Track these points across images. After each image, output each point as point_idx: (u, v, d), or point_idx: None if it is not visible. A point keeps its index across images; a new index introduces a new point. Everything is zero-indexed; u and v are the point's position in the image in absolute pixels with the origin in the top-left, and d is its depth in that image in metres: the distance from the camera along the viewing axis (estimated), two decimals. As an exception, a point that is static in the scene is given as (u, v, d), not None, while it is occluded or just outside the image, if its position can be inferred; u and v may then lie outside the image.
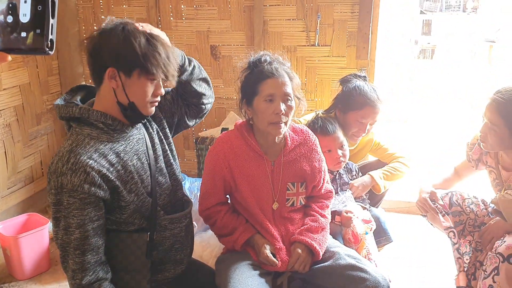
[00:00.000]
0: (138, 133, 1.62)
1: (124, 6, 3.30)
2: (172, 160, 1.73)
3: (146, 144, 1.63)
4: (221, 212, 1.84)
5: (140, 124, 1.65)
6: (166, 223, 1.63)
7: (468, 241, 2.06)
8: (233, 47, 3.22)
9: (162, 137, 1.73)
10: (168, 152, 1.73)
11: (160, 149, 1.70)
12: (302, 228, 1.84)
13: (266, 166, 1.81)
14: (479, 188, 2.30)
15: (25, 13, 0.72)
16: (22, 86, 2.99)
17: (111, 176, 1.46)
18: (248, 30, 3.14)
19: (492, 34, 7.14)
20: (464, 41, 8.71)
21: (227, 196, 1.92)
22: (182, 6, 3.22)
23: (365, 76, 2.43)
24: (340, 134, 2.27)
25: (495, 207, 1.97)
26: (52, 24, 0.73)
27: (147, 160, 1.61)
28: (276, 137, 1.80)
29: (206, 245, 2.38)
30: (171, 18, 3.26)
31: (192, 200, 2.52)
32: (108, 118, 1.48)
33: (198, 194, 2.51)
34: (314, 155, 1.89)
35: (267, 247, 1.77)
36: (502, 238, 1.85)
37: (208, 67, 3.29)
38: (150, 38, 1.46)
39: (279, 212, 1.85)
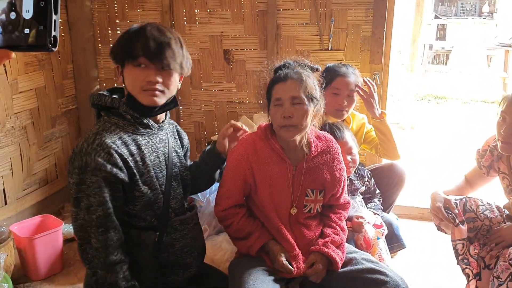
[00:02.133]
0: (163, 134, 1.68)
1: (139, 10, 3.33)
2: (188, 175, 1.80)
3: (168, 147, 1.68)
4: (238, 215, 1.82)
5: (167, 126, 1.72)
6: (176, 225, 1.66)
7: (478, 245, 2.03)
8: (246, 51, 3.23)
9: (185, 153, 1.83)
10: (186, 166, 1.80)
11: (179, 159, 1.75)
12: (326, 239, 1.82)
13: (288, 171, 1.80)
14: (492, 196, 2.27)
15: (28, 9, 0.70)
16: (38, 89, 3.03)
17: (130, 163, 1.51)
18: (261, 35, 3.15)
19: (508, 39, 7.04)
20: (480, 46, 8.62)
21: (244, 198, 1.91)
22: (196, 11, 3.24)
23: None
24: (349, 139, 2.24)
25: (508, 213, 1.93)
26: (55, 20, 0.71)
27: (165, 161, 1.65)
28: (298, 142, 1.79)
29: (218, 249, 2.38)
30: (185, 23, 3.28)
31: (204, 204, 2.54)
32: (137, 112, 1.55)
33: (211, 197, 2.52)
34: (336, 164, 1.88)
35: (283, 254, 1.77)
36: None
37: (221, 71, 3.31)
38: (141, 25, 1.53)
39: (296, 217, 1.83)
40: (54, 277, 2.49)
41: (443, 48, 9.44)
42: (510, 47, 6.88)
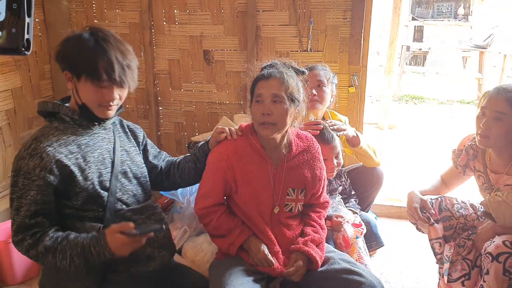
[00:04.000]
0: (106, 133, 1.72)
1: (117, 10, 3.30)
2: (144, 173, 1.82)
3: (114, 145, 1.72)
4: (217, 212, 1.83)
5: (111, 126, 1.75)
6: (128, 215, 1.68)
7: (455, 245, 2.07)
8: (226, 52, 3.23)
9: (143, 148, 1.89)
10: (139, 165, 1.81)
11: (129, 157, 1.78)
12: (306, 238, 1.84)
13: (269, 170, 1.81)
14: (467, 194, 2.32)
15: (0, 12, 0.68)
16: (14, 90, 2.98)
17: (67, 162, 1.54)
18: (241, 35, 3.16)
19: (483, 41, 7.20)
20: (456, 48, 8.80)
21: (224, 197, 1.91)
22: (175, 11, 3.23)
23: None
24: (337, 143, 2.27)
25: (484, 210, 1.98)
26: (28, 23, 0.70)
27: (110, 158, 1.69)
28: (279, 142, 1.80)
29: (198, 250, 2.37)
30: (164, 23, 3.27)
31: (184, 205, 2.54)
32: (75, 114, 1.61)
33: (191, 198, 2.52)
34: (316, 163, 1.90)
35: (265, 247, 1.78)
36: (491, 239, 1.87)
37: (201, 72, 3.30)
38: (101, 42, 1.54)
39: (278, 217, 1.84)
40: (30, 281, 2.45)
41: (420, 49, 9.60)
42: (485, 49, 7.03)
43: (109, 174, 1.67)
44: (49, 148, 1.53)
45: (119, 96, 1.62)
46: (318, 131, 2.21)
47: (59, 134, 1.59)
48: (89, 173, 1.60)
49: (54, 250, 1.51)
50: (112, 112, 1.64)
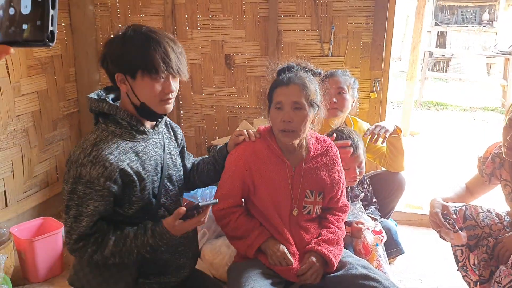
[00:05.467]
0: (158, 137, 1.69)
1: (141, 15, 3.36)
2: (181, 176, 1.81)
3: (164, 149, 1.69)
4: (236, 213, 1.83)
5: (163, 129, 1.73)
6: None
7: (482, 252, 2.03)
8: (247, 56, 3.25)
9: (181, 150, 1.86)
10: (178, 168, 1.80)
11: (172, 160, 1.76)
12: (319, 238, 1.83)
13: (287, 172, 1.81)
14: (492, 203, 2.27)
15: (26, 5, 0.70)
16: (40, 92, 3.05)
17: (129, 171, 1.52)
18: (263, 40, 3.17)
19: (508, 47, 7.06)
20: (480, 54, 8.66)
21: (243, 199, 1.91)
22: (198, 16, 3.27)
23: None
24: (361, 152, 2.26)
25: (510, 220, 1.93)
26: (52, 16, 0.71)
27: (161, 163, 1.67)
28: (297, 144, 1.80)
29: (217, 253, 2.39)
30: (187, 28, 3.31)
31: (204, 208, 2.55)
32: (134, 119, 1.56)
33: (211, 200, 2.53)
34: (334, 166, 1.89)
35: (284, 247, 1.77)
36: None
37: (222, 76, 3.32)
38: (150, 34, 1.50)
39: (296, 219, 1.84)
40: (53, 280, 2.49)
41: (443, 55, 9.47)
42: (510, 55, 6.90)
43: (159, 180, 1.65)
44: (111, 157, 1.48)
45: (175, 87, 1.58)
46: (349, 150, 2.20)
47: (118, 141, 1.53)
48: (147, 182, 1.57)
49: (119, 252, 1.53)
50: (171, 106, 1.59)
